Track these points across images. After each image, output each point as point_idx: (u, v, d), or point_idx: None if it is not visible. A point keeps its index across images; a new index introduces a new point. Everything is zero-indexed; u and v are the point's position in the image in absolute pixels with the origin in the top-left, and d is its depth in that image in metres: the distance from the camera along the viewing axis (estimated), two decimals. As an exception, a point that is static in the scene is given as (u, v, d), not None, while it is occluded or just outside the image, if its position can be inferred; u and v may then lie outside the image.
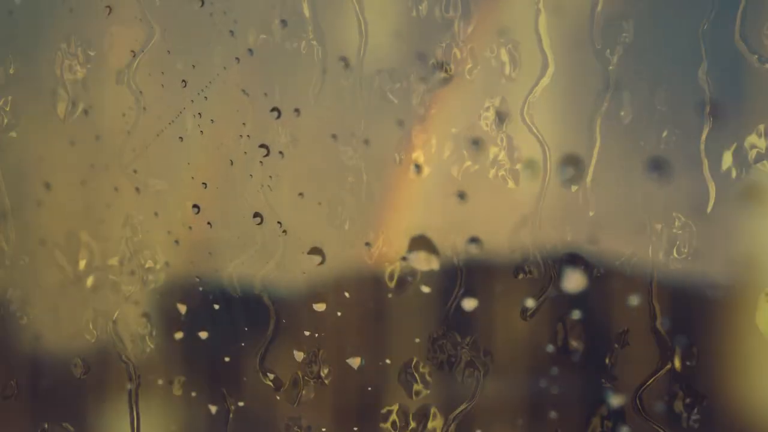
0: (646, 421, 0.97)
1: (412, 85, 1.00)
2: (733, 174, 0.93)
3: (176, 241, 1.10)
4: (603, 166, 0.96)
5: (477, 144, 0.99)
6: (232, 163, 1.07)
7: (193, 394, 1.11)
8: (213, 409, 1.10)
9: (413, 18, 1.00)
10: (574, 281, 0.97)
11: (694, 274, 0.95)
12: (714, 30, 0.93)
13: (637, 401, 0.97)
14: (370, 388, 1.05)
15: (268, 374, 1.07)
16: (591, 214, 0.97)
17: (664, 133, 0.95)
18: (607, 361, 0.98)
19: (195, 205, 1.09)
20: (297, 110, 1.04)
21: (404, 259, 1.01)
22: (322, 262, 1.05)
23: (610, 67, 0.95)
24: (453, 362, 1.02)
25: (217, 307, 1.09)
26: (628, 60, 0.95)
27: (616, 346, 0.98)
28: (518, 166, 0.99)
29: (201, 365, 1.11)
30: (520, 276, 0.99)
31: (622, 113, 0.96)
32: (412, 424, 1.03)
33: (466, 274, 1.00)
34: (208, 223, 1.09)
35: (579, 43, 0.96)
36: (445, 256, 1.00)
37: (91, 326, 1.14)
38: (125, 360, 1.13)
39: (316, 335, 1.06)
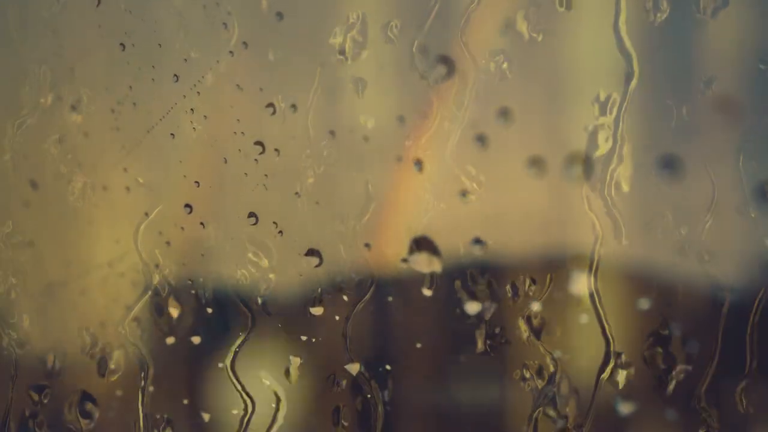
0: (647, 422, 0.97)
1: (413, 80, 1.00)
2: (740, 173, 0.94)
3: (167, 242, 1.10)
4: (607, 165, 0.95)
5: (481, 141, 0.99)
6: (225, 161, 1.07)
7: (185, 401, 1.11)
8: (206, 417, 1.10)
9: (413, 13, 1.00)
10: (579, 283, 0.97)
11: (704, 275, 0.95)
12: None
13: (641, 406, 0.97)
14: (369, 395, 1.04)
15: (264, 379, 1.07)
16: (594, 213, 0.96)
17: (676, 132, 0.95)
18: (612, 364, 0.97)
19: (187, 205, 1.08)
20: (293, 106, 1.04)
21: (405, 261, 1.00)
22: (319, 264, 1.04)
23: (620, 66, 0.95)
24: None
25: (210, 310, 1.09)
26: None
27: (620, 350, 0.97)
28: (523, 165, 0.97)
29: (193, 369, 1.11)
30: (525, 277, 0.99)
31: (627, 112, 0.95)
32: None
33: (469, 276, 1.00)
34: (201, 223, 1.09)
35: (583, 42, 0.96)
36: (447, 257, 0.99)
37: (83, 329, 1.15)
38: (118, 363, 1.13)
39: (313, 340, 1.06)
